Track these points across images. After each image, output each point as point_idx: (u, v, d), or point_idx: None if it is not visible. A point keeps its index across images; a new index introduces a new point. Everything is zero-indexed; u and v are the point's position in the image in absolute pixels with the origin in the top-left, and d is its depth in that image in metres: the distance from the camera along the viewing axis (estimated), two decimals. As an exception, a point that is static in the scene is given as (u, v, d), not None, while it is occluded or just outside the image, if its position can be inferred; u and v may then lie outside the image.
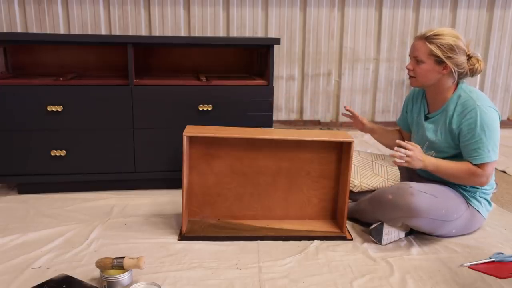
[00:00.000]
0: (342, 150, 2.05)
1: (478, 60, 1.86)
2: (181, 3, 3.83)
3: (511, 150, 3.50)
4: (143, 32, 3.85)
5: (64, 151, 2.36)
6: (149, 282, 1.54)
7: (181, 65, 2.84)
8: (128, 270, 1.57)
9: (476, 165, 1.82)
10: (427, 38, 1.84)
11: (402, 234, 1.95)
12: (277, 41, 2.42)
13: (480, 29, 4.19)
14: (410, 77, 1.94)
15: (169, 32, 3.86)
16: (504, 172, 2.98)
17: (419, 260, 1.79)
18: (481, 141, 1.80)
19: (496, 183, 2.61)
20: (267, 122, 2.48)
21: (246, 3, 3.88)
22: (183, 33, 3.88)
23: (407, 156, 1.77)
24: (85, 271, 1.66)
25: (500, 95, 4.38)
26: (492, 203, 2.40)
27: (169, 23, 3.86)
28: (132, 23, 3.82)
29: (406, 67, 1.94)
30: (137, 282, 1.55)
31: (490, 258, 1.77)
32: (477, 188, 1.93)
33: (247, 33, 3.95)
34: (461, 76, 1.88)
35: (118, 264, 1.56)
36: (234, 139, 2.01)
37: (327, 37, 4.06)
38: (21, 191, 2.43)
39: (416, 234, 1.98)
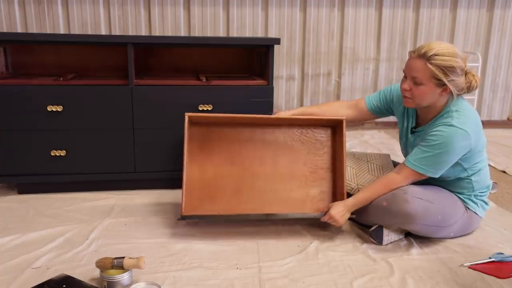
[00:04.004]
0: (335, 132, 2.08)
1: (473, 76, 1.78)
2: (181, 3, 3.83)
3: (511, 150, 3.50)
4: (143, 32, 3.85)
5: (64, 151, 2.36)
6: (149, 282, 1.54)
7: (181, 65, 2.84)
8: (128, 270, 1.57)
9: (401, 166, 1.85)
10: (429, 59, 1.70)
11: (402, 235, 1.96)
12: (277, 41, 2.42)
13: (480, 29, 4.19)
14: (405, 97, 1.81)
15: (169, 32, 3.86)
16: (504, 172, 2.98)
17: (419, 260, 1.79)
18: (429, 155, 1.76)
19: (496, 183, 2.61)
20: (267, 122, 2.48)
21: (246, 3, 3.88)
22: (183, 33, 3.88)
23: (333, 224, 1.90)
24: (85, 271, 1.66)
25: (500, 95, 4.38)
26: (490, 202, 2.41)
27: (169, 23, 3.86)
28: (132, 23, 3.82)
29: (402, 87, 1.79)
30: (137, 282, 1.55)
31: (490, 258, 1.76)
32: (472, 190, 1.92)
33: (247, 33, 3.95)
34: (459, 95, 1.80)
35: (118, 264, 1.56)
36: (232, 132, 2.05)
37: (327, 37, 4.06)
38: (21, 191, 2.43)
39: (416, 235, 1.98)
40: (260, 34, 3.98)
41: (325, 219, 1.90)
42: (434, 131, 1.77)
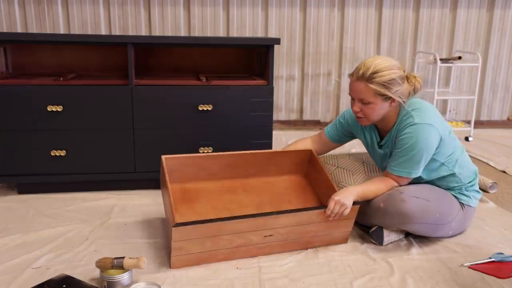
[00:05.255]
0: (310, 164, 2.06)
1: (415, 77, 1.81)
2: (181, 3, 3.83)
3: (511, 150, 3.50)
4: (143, 32, 3.85)
5: (64, 151, 2.36)
6: (149, 282, 1.54)
7: (181, 65, 2.84)
8: (128, 270, 1.57)
9: (386, 174, 1.88)
10: (368, 79, 1.74)
11: (402, 235, 1.96)
12: (277, 41, 2.42)
13: (480, 29, 4.19)
14: (359, 118, 1.85)
15: (169, 32, 3.86)
16: (504, 172, 2.98)
17: (419, 260, 1.79)
18: (406, 158, 1.80)
19: (496, 183, 2.61)
20: (267, 122, 2.48)
21: (246, 3, 3.88)
22: (183, 33, 3.89)
23: (341, 209, 1.75)
24: (85, 271, 1.66)
25: (500, 95, 4.38)
26: (490, 202, 2.41)
27: (169, 23, 3.86)
28: (132, 23, 3.83)
29: (353, 109, 1.83)
30: (137, 282, 1.55)
31: (490, 258, 1.76)
32: (462, 183, 1.93)
33: (247, 33, 3.95)
34: (407, 100, 1.83)
35: (118, 264, 1.56)
36: (208, 184, 1.99)
37: (327, 37, 4.06)
38: (21, 191, 2.43)
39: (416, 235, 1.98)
40: (260, 34, 3.98)
41: (331, 205, 1.75)
42: (402, 134, 1.81)
